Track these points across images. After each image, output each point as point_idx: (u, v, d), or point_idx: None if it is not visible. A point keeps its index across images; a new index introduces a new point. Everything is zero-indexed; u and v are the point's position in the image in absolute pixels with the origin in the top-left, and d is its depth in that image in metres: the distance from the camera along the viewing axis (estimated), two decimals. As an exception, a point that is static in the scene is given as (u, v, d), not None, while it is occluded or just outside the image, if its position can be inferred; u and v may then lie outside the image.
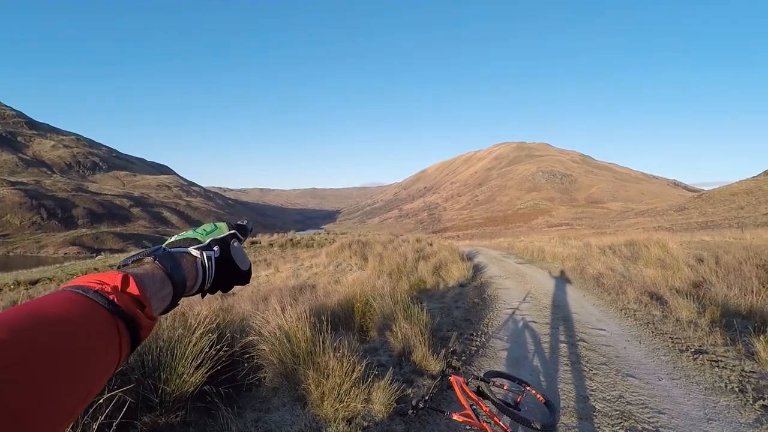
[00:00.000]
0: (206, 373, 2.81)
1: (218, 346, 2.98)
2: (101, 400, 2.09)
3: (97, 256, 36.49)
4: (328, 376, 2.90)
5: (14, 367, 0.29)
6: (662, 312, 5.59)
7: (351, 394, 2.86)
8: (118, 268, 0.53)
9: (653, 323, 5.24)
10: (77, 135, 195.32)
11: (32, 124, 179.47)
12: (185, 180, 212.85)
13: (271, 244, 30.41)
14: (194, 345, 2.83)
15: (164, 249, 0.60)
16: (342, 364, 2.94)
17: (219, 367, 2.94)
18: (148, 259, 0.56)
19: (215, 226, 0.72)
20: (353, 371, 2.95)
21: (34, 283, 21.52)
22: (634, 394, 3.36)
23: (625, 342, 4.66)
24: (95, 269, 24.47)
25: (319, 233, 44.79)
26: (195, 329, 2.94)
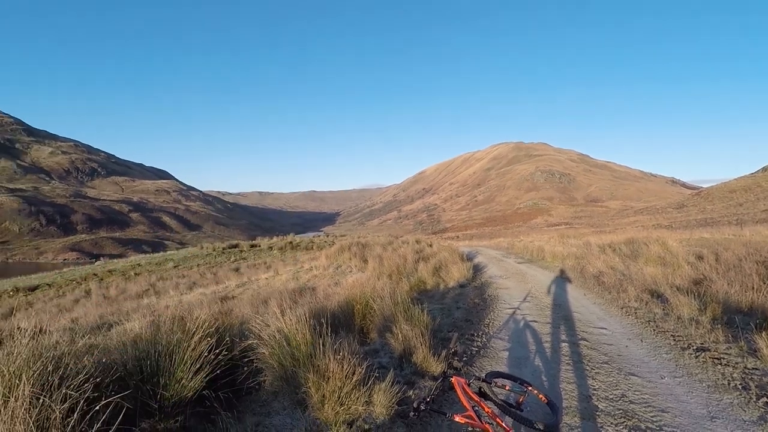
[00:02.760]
0: (205, 377, 2.78)
1: (217, 350, 2.96)
2: (98, 407, 2.06)
3: (96, 261, 36.62)
4: (328, 379, 2.87)
5: None
6: (663, 310, 5.57)
7: (352, 396, 2.84)
8: None
9: (654, 321, 5.23)
10: (75, 141, 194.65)
11: (30, 131, 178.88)
12: (184, 184, 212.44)
13: (271, 247, 30.36)
14: (193, 350, 2.81)
15: None
16: (342, 367, 2.91)
17: (218, 372, 2.91)
18: None
19: None
20: (354, 374, 2.92)
21: (33, 289, 21.47)
22: (637, 392, 3.34)
23: (626, 340, 4.65)
24: (94, 274, 24.40)
25: (319, 235, 44.77)
26: (194, 334, 2.92)
